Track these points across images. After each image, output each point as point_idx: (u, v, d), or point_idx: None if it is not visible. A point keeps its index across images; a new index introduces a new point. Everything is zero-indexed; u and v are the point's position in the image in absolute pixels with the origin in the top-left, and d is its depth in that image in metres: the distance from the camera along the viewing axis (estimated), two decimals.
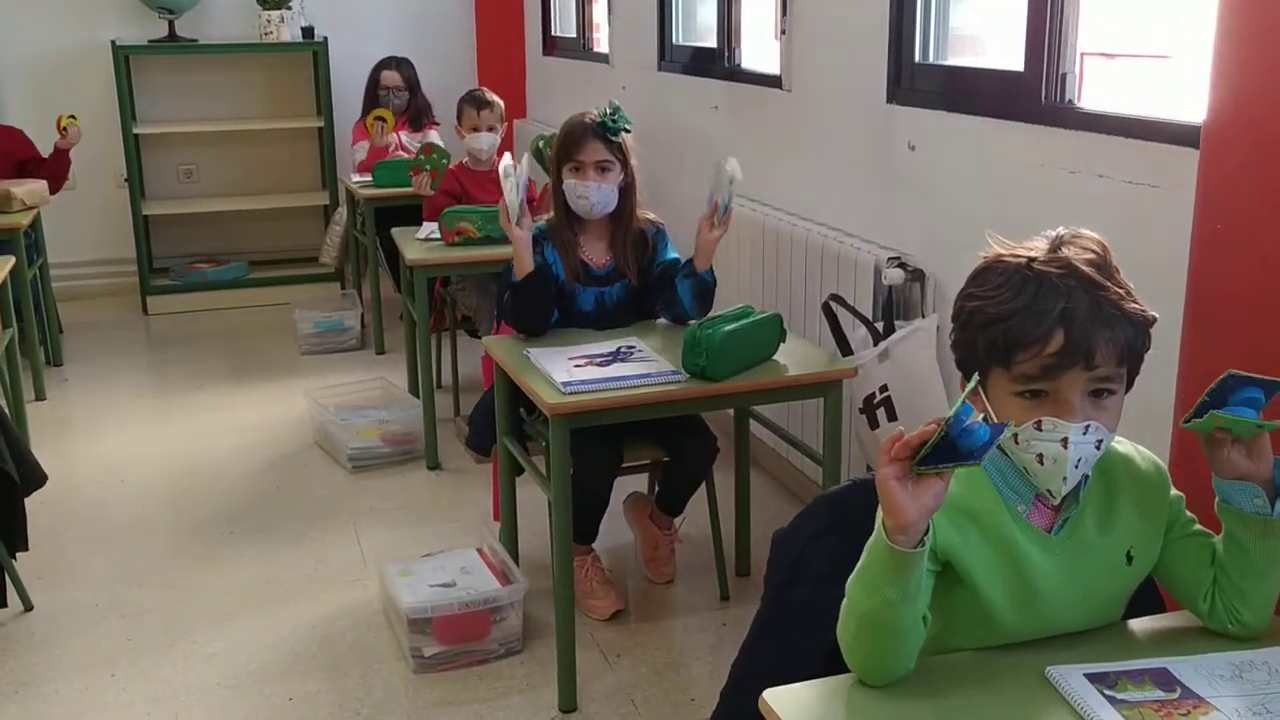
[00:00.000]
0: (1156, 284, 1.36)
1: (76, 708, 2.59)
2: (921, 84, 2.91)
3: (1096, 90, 2.47)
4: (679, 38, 4.49)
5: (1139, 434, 1.51)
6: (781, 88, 3.54)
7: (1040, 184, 2.47)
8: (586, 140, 2.80)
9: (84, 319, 5.68)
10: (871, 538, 1.32)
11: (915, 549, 1.27)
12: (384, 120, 5.25)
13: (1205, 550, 1.44)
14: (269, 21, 5.83)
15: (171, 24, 5.76)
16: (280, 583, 3.12)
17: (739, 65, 4.00)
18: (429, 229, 4.03)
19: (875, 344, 2.85)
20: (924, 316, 2.88)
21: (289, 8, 5.88)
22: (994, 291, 1.36)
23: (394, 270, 5.17)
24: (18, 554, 2.92)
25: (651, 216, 2.95)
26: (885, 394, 2.83)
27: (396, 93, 5.50)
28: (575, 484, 2.52)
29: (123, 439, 4.17)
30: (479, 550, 3.01)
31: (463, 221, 3.84)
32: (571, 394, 2.40)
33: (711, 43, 4.18)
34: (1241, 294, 1.72)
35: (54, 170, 4.94)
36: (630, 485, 3.15)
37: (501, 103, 4.40)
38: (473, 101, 4.36)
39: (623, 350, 2.66)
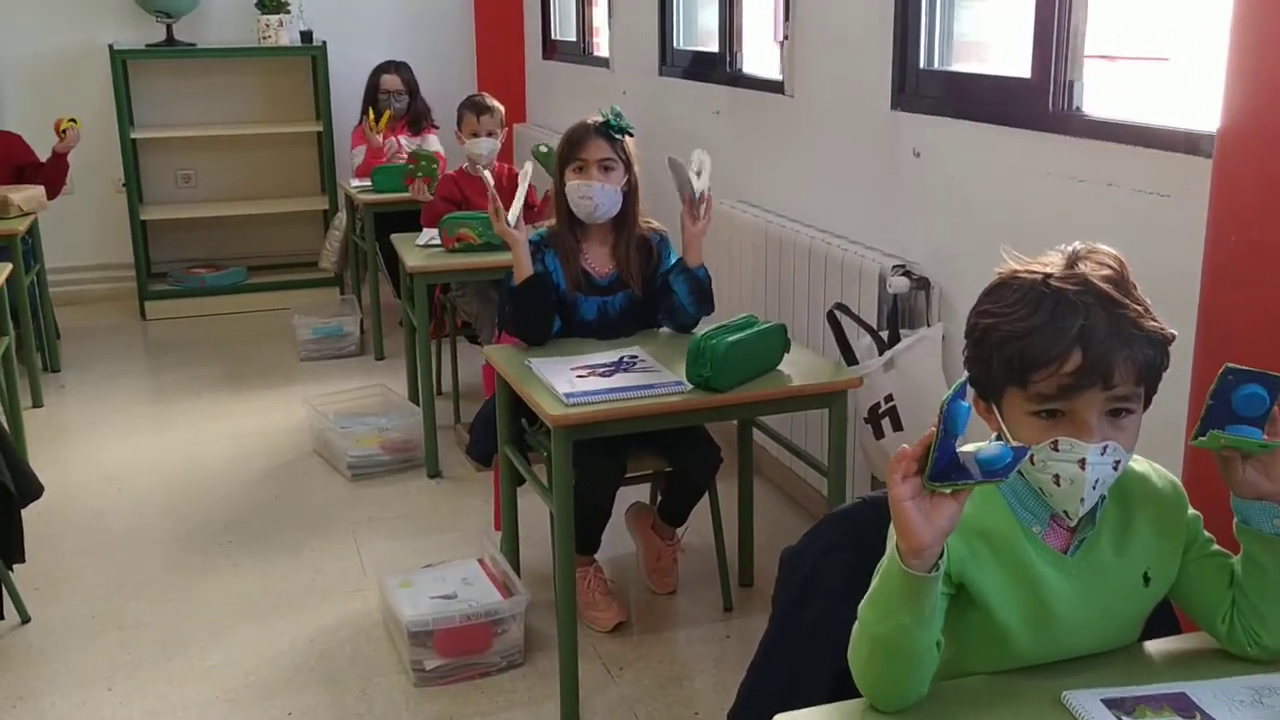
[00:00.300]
0: (1167, 296, 1.33)
1: None
2: (926, 90, 2.89)
3: (1098, 93, 2.44)
4: (680, 42, 4.47)
5: (1150, 451, 1.48)
6: (784, 93, 3.51)
7: (1047, 192, 2.44)
8: (590, 139, 2.77)
9: (82, 324, 5.65)
10: (884, 561, 1.29)
11: (930, 573, 1.24)
12: (375, 119, 5.21)
13: (1224, 571, 1.41)
14: (267, 25, 5.80)
15: (169, 28, 5.73)
16: (279, 594, 3.09)
17: (741, 70, 3.97)
18: (429, 235, 4.00)
19: (880, 353, 2.82)
20: (929, 325, 2.85)
21: (287, 11, 5.85)
22: (1010, 309, 1.33)
23: (394, 275, 5.14)
24: (14, 566, 2.88)
25: (655, 225, 2.92)
26: (890, 404, 2.80)
27: (397, 96, 5.47)
28: (577, 494, 2.49)
29: (120, 447, 4.14)
30: (480, 561, 2.98)
31: (463, 228, 3.81)
32: (574, 405, 2.38)
33: (713, 47, 4.16)
34: (1257, 307, 1.69)
35: (51, 175, 4.91)
36: (632, 495, 3.12)
37: (502, 108, 4.37)
38: (473, 107, 4.33)
39: (625, 360, 2.63)
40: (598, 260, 2.87)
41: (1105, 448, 1.29)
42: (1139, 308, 1.30)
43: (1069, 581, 1.37)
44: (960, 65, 2.93)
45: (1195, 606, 1.43)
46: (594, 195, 2.76)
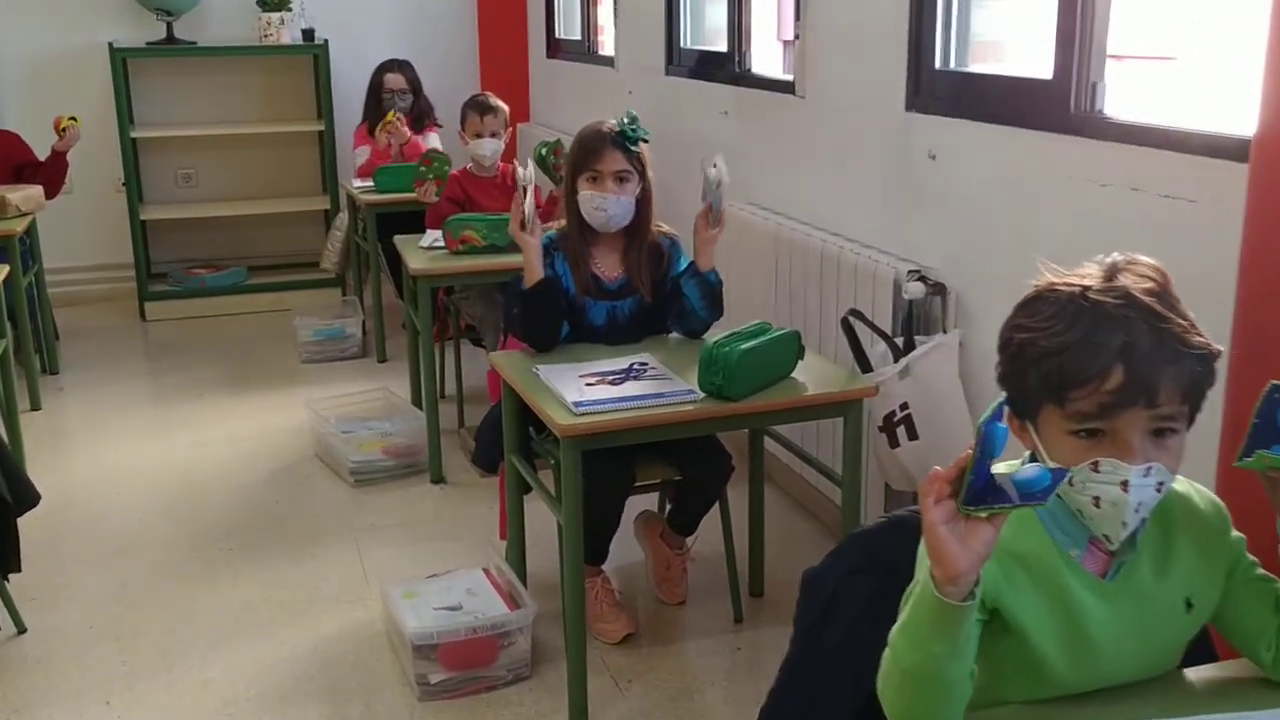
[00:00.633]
0: (1198, 305, 1.27)
1: None
2: (942, 91, 2.83)
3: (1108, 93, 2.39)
4: (687, 41, 4.40)
5: (1181, 468, 1.42)
6: (794, 93, 3.45)
7: (1069, 196, 2.38)
8: (605, 149, 2.71)
9: (81, 325, 5.59)
10: (916, 587, 1.23)
11: (965, 602, 1.18)
12: (392, 122, 5.14)
13: (1268, 596, 1.35)
14: (269, 23, 5.73)
15: (170, 26, 5.67)
16: (280, 602, 3.04)
17: (749, 69, 3.91)
18: (432, 236, 3.94)
19: (895, 360, 2.76)
20: (945, 332, 2.79)
21: (289, 9, 5.79)
22: (1046, 323, 1.27)
23: (396, 276, 5.08)
24: (9, 575, 2.82)
25: (665, 229, 2.87)
26: (906, 412, 2.74)
27: (401, 95, 5.40)
28: (586, 504, 2.43)
29: (119, 450, 4.08)
30: (485, 570, 2.92)
31: (468, 229, 3.75)
32: (583, 414, 2.32)
33: (720, 46, 4.10)
34: None
35: (51, 174, 4.85)
36: (640, 503, 3.06)
37: (506, 108, 4.31)
38: (476, 107, 4.27)
39: (635, 367, 2.57)
40: (607, 265, 2.81)
41: (1149, 469, 1.23)
42: (1184, 322, 1.25)
43: (1108, 607, 1.31)
44: (976, 66, 2.86)
45: (1238, 633, 1.37)
46: (608, 208, 2.71)
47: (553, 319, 2.71)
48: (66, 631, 2.90)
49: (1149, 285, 1.26)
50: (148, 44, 5.69)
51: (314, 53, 5.81)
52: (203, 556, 3.29)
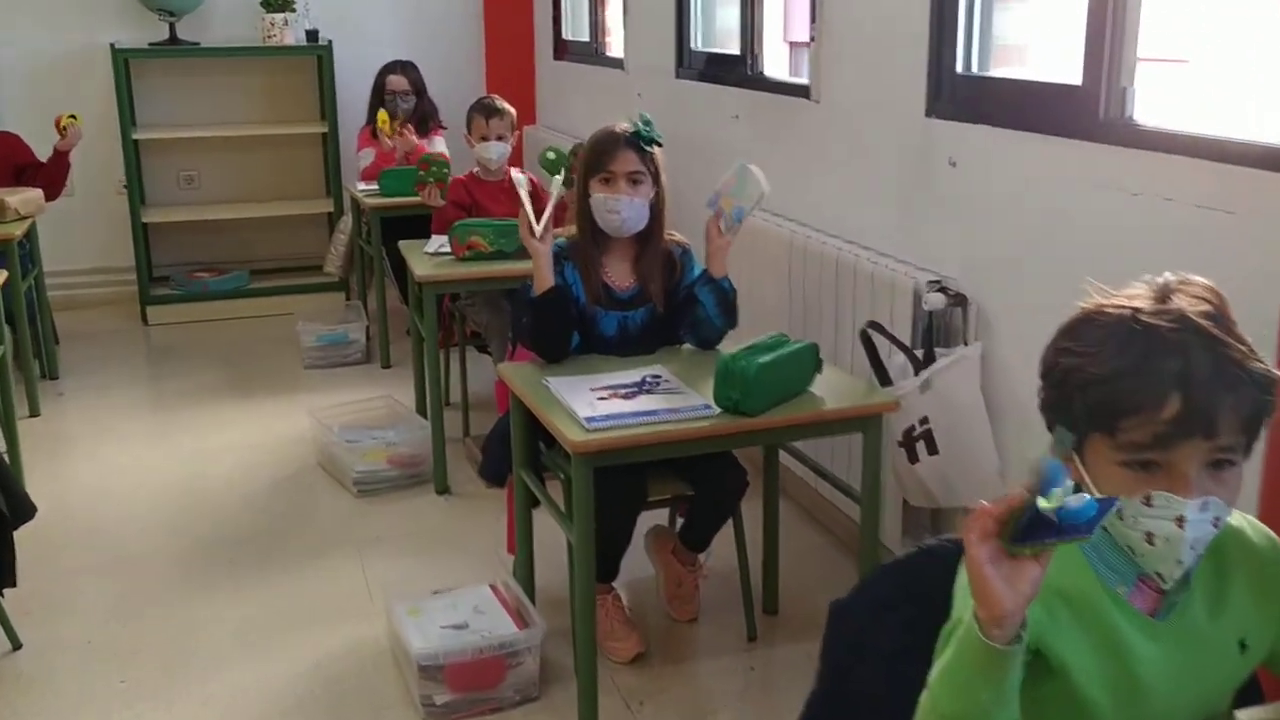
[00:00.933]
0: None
1: None
2: (964, 96, 2.75)
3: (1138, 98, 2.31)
4: (698, 43, 4.33)
5: None
6: (809, 98, 3.38)
7: (1098, 206, 2.30)
8: (618, 149, 2.64)
9: (82, 329, 5.52)
10: (955, 627, 1.16)
11: (1012, 645, 1.11)
12: (387, 124, 5.07)
13: None
14: (272, 24, 5.66)
15: (172, 27, 5.60)
16: (282, 617, 2.96)
17: (762, 73, 3.83)
18: (438, 242, 3.86)
19: (915, 373, 2.68)
20: (966, 344, 2.71)
21: (293, 10, 5.71)
22: (1095, 348, 1.19)
23: (400, 281, 5.02)
24: (5, 590, 2.75)
25: (678, 237, 2.79)
26: (926, 426, 2.67)
27: (404, 97, 5.32)
28: (596, 520, 2.36)
29: (119, 459, 4.01)
30: (492, 587, 2.85)
31: (474, 235, 3.68)
32: (596, 430, 2.24)
33: (732, 48, 4.02)
34: None
35: (53, 174, 4.78)
36: (651, 517, 2.98)
37: (513, 111, 4.24)
38: (482, 110, 4.20)
39: (648, 380, 2.50)
40: (619, 273, 2.74)
41: (1205, 504, 1.16)
42: (1243, 347, 1.17)
43: (1158, 648, 1.24)
44: (999, 70, 2.79)
45: None
46: (622, 210, 2.63)
47: (563, 329, 2.64)
48: (64, 647, 2.83)
49: (1205, 308, 1.19)
50: (150, 45, 5.62)
51: (318, 54, 5.75)
52: (204, 569, 3.22)
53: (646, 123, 2.69)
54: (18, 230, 4.23)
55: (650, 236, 2.72)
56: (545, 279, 2.62)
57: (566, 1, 5.90)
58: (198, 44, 5.69)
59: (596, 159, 2.68)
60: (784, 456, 2.98)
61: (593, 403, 2.36)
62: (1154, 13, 2.27)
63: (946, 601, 1.34)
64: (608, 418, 2.28)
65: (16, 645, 2.81)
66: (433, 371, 3.74)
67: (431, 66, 5.57)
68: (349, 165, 5.59)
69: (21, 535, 2.77)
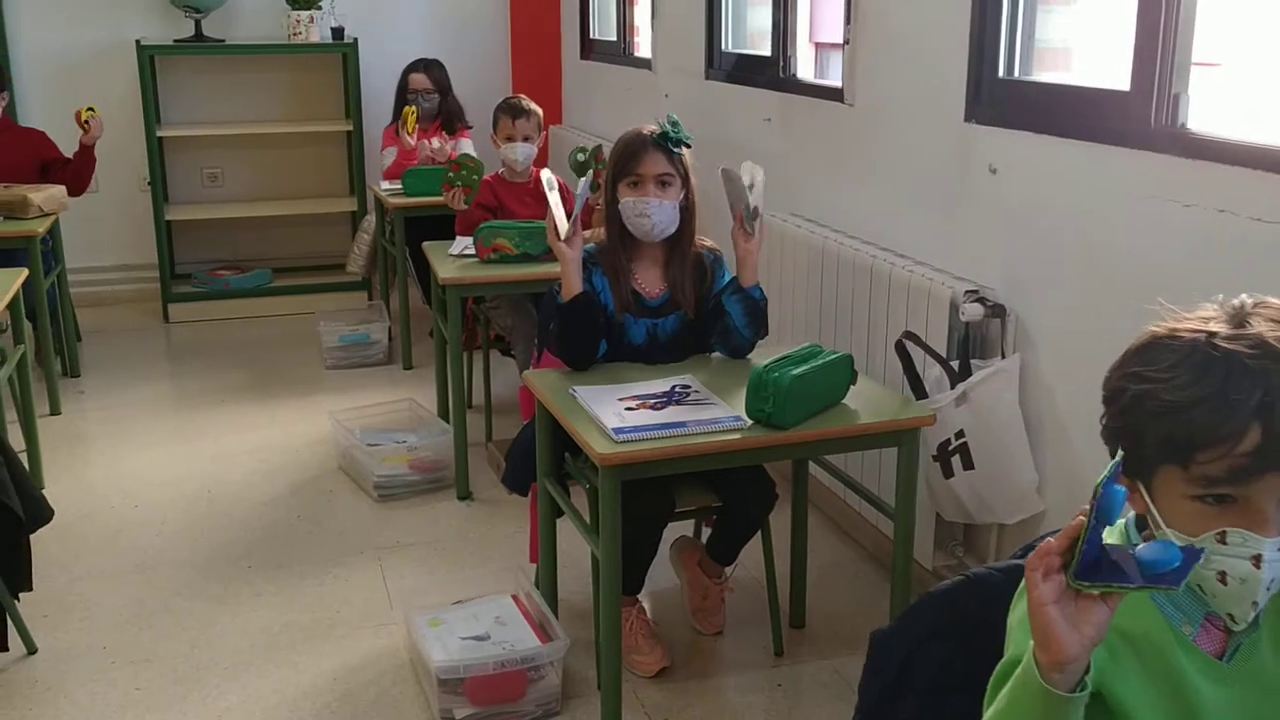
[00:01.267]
0: None
1: None
2: (1005, 101, 2.67)
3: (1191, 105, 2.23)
4: (728, 44, 4.26)
5: None
6: (843, 101, 3.30)
7: (1147, 217, 2.22)
8: (646, 152, 2.57)
9: (103, 326, 5.50)
10: (1018, 671, 1.09)
11: (1074, 692, 1.03)
12: (410, 120, 5.02)
13: None
14: (298, 21, 5.62)
15: (198, 23, 5.57)
16: (300, 626, 2.91)
17: (795, 75, 3.76)
18: (463, 244, 3.81)
19: (952, 385, 2.61)
20: (1004, 356, 2.63)
21: (319, 8, 5.67)
22: (1168, 373, 1.12)
23: (423, 281, 4.97)
24: (21, 594, 2.71)
25: (709, 243, 2.73)
26: (961, 440, 2.59)
27: (425, 96, 5.27)
28: (622, 531, 2.29)
29: (139, 459, 3.97)
30: (514, 597, 2.79)
31: (499, 238, 3.62)
32: (625, 442, 2.18)
33: (763, 50, 3.95)
34: None
35: (79, 168, 4.75)
36: (676, 528, 2.91)
37: (540, 111, 4.18)
38: (509, 110, 4.14)
39: (678, 390, 2.43)
40: (648, 280, 2.68)
41: None
42: None
43: (1225, 693, 1.17)
44: (1041, 74, 2.71)
45: None
46: (651, 213, 2.57)
47: (591, 336, 2.58)
48: (79, 653, 2.78)
49: None
50: (175, 41, 5.59)
51: (343, 51, 5.70)
52: (221, 575, 3.17)
53: (674, 124, 2.63)
54: (40, 227, 4.20)
55: (680, 241, 2.66)
56: (573, 285, 2.56)
57: (594, 1, 5.84)
58: (223, 41, 5.66)
59: (624, 162, 2.61)
60: (812, 467, 2.91)
61: (621, 413, 2.30)
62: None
63: (995, 633, 1.27)
64: (636, 429, 2.22)
65: (32, 650, 2.77)
66: (455, 375, 3.69)
67: (457, 65, 5.52)
68: (373, 164, 5.55)
69: (39, 536, 2.74)
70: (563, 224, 2.56)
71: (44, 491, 3.38)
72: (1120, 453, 1.09)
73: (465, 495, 3.63)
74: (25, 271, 3.70)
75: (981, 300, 2.64)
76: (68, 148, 4.81)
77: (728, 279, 2.70)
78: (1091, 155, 2.36)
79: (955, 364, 2.65)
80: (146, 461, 3.95)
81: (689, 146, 2.64)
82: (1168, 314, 1.19)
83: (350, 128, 5.76)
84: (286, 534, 3.42)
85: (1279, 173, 1.94)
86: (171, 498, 3.66)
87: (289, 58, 5.89)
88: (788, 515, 2.87)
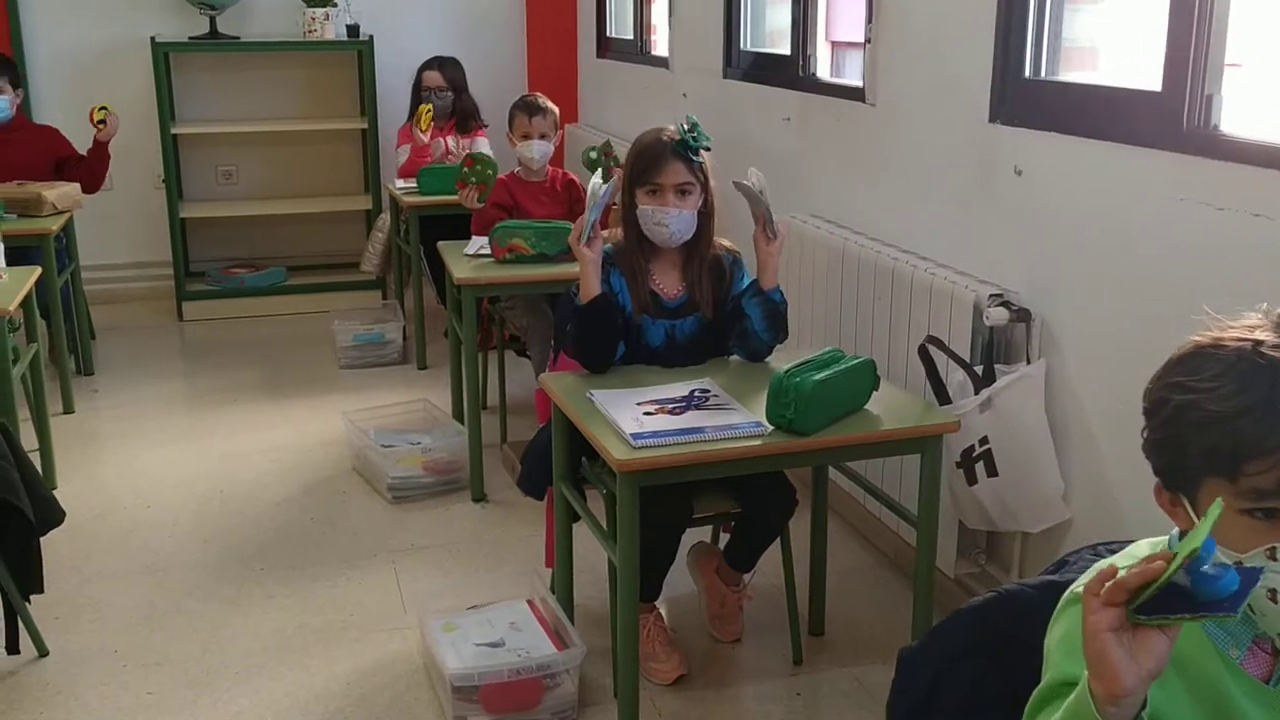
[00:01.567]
0: None
1: None
2: (1032, 101, 2.62)
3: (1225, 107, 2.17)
4: (747, 42, 4.21)
5: None
6: (864, 101, 3.25)
7: (1178, 220, 2.17)
8: (666, 160, 2.53)
9: (117, 323, 5.49)
10: (1070, 701, 1.05)
11: None
12: (424, 116, 4.98)
13: None
14: (313, 19, 5.60)
15: (213, 20, 5.55)
16: (313, 629, 2.88)
17: (815, 74, 3.71)
18: (478, 244, 3.78)
19: (975, 391, 2.56)
20: (1029, 361, 2.58)
21: (334, 5, 5.65)
22: (1213, 383, 1.08)
23: (438, 281, 4.94)
24: (32, 596, 2.69)
25: (728, 244, 2.69)
26: (985, 447, 2.55)
27: (439, 94, 5.24)
28: (640, 536, 2.25)
29: (152, 458, 3.95)
30: (529, 602, 2.76)
31: (516, 238, 3.58)
32: (643, 448, 2.14)
33: (782, 48, 3.91)
34: None
35: (94, 166, 4.74)
36: (693, 534, 2.87)
37: (556, 109, 4.14)
38: (525, 108, 4.10)
39: (697, 394, 2.39)
40: (667, 282, 2.64)
41: None
42: None
43: (1273, 718, 1.12)
44: (1068, 74, 2.66)
45: None
46: (670, 223, 2.53)
47: (609, 338, 2.54)
48: (90, 656, 2.76)
49: None
50: (190, 38, 5.57)
51: (358, 49, 5.68)
52: (234, 577, 3.14)
53: (694, 126, 2.58)
54: (54, 225, 4.18)
55: (698, 243, 2.62)
56: (592, 287, 2.52)
57: None
58: (238, 38, 5.64)
59: (642, 169, 2.57)
60: (832, 472, 2.86)
61: (639, 418, 2.26)
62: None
63: (1028, 652, 1.24)
64: (655, 434, 2.18)
65: (43, 652, 2.75)
66: (471, 377, 3.65)
67: (473, 63, 5.49)
68: (388, 162, 5.53)
69: (51, 536, 2.70)
70: (585, 227, 2.52)
71: (56, 491, 3.39)
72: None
73: (480, 497, 3.59)
74: (39, 269, 3.68)
75: (1006, 304, 2.59)
76: (82, 145, 4.80)
77: (747, 281, 2.66)
78: (1121, 157, 2.31)
79: (979, 369, 2.61)
80: (159, 460, 3.93)
81: (709, 149, 2.59)
82: (1212, 322, 1.15)
83: (365, 125, 5.73)
84: (299, 535, 3.39)
85: None
86: (184, 497, 3.64)
87: (304, 55, 5.87)
88: (807, 521, 2.83)
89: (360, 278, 5.65)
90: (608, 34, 5.83)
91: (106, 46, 5.63)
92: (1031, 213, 2.60)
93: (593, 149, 4.24)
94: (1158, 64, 2.23)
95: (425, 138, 5.00)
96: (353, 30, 5.67)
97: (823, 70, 3.75)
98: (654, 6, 5.29)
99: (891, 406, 2.38)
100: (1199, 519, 1.11)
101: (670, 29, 4.80)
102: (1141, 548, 1.22)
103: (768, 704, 2.62)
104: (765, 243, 2.57)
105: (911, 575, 2.52)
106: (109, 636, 2.85)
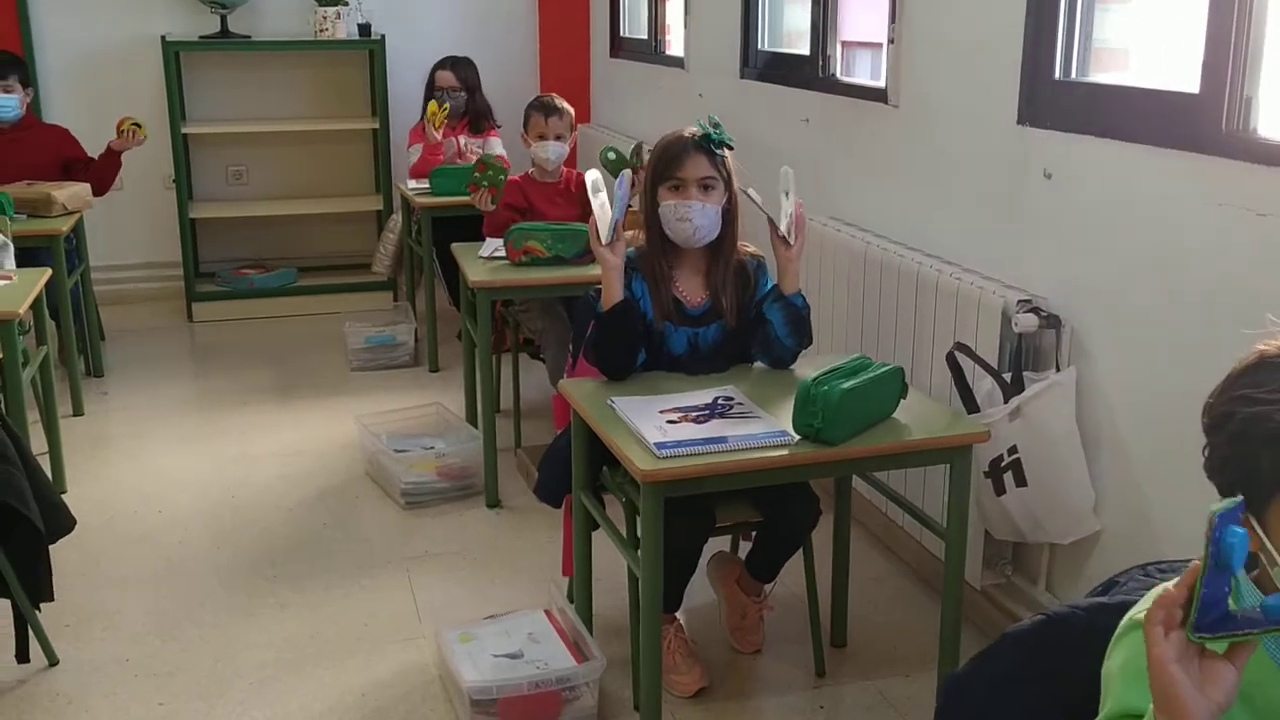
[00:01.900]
0: None
1: None
2: (1061, 104, 2.56)
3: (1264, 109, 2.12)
4: (764, 42, 4.16)
5: None
6: (887, 102, 3.20)
7: (1216, 226, 2.12)
8: (688, 154, 2.48)
9: (127, 325, 5.45)
10: None
11: None
12: (436, 113, 4.93)
13: None
14: (325, 18, 5.56)
15: (224, 19, 5.51)
16: (327, 639, 2.84)
17: (834, 75, 3.66)
18: (492, 245, 3.73)
19: (1005, 399, 2.51)
20: (1058, 369, 2.53)
21: (345, 4, 5.60)
22: None
23: (450, 283, 4.89)
24: (42, 604, 2.64)
25: (751, 249, 2.63)
26: (1014, 456, 2.49)
27: (452, 94, 5.19)
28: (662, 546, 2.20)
29: (163, 462, 3.91)
30: (548, 612, 2.71)
31: (530, 240, 3.54)
32: (668, 458, 2.09)
33: (801, 48, 3.86)
34: None
35: (102, 172, 4.69)
36: (714, 543, 2.82)
37: (572, 110, 4.09)
38: (541, 108, 4.06)
39: (720, 402, 2.34)
40: (690, 288, 2.58)
41: None
42: None
43: None
44: (1098, 75, 2.60)
45: None
46: (693, 217, 2.47)
47: (631, 344, 2.49)
48: (100, 665, 2.72)
49: None
50: (201, 38, 5.53)
51: (370, 48, 5.64)
52: (246, 584, 3.10)
53: (716, 125, 2.54)
54: (64, 225, 4.15)
55: (722, 247, 2.56)
56: (614, 292, 2.47)
57: None
58: (249, 37, 5.60)
59: (665, 165, 2.52)
60: (855, 480, 2.81)
61: (662, 426, 2.21)
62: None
63: (1083, 679, 1.19)
64: (679, 444, 2.13)
65: (53, 661, 2.71)
66: (485, 381, 3.60)
67: (486, 63, 5.44)
68: (400, 162, 5.48)
69: (62, 542, 2.67)
70: (605, 228, 2.47)
71: (66, 495, 3.35)
72: (1240, 492, 0.99)
73: (494, 503, 3.55)
74: (49, 270, 3.64)
75: (1035, 310, 2.54)
76: (91, 145, 4.75)
77: (770, 285, 2.61)
78: (1156, 160, 2.26)
79: (1007, 376, 2.55)
80: (170, 464, 3.89)
81: (731, 148, 2.54)
82: (1277, 331, 1.10)
83: (376, 125, 5.69)
84: (312, 542, 3.34)
85: None
86: (195, 503, 3.60)
87: (315, 54, 5.83)
88: (829, 530, 2.78)
89: (371, 279, 5.61)
90: (621, 33, 5.79)
91: (117, 45, 5.59)
92: (1061, 217, 2.55)
93: (611, 149, 4.19)
94: (1190, 65, 2.18)
95: (439, 135, 4.95)
96: (364, 29, 5.63)
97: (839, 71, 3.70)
98: (669, 6, 5.24)
99: (919, 415, 2.33)
100: (1269, 539, 1.06)
101: (686, 28, 4.75)
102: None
103: (790, 716, 2.58)
104: (784, 248, 2.52)
105: (935, 585, 2.47)
106: (120, 645, 2.80)
